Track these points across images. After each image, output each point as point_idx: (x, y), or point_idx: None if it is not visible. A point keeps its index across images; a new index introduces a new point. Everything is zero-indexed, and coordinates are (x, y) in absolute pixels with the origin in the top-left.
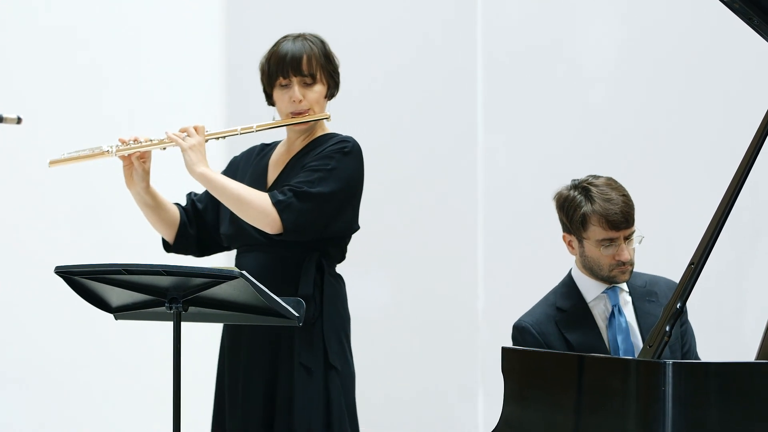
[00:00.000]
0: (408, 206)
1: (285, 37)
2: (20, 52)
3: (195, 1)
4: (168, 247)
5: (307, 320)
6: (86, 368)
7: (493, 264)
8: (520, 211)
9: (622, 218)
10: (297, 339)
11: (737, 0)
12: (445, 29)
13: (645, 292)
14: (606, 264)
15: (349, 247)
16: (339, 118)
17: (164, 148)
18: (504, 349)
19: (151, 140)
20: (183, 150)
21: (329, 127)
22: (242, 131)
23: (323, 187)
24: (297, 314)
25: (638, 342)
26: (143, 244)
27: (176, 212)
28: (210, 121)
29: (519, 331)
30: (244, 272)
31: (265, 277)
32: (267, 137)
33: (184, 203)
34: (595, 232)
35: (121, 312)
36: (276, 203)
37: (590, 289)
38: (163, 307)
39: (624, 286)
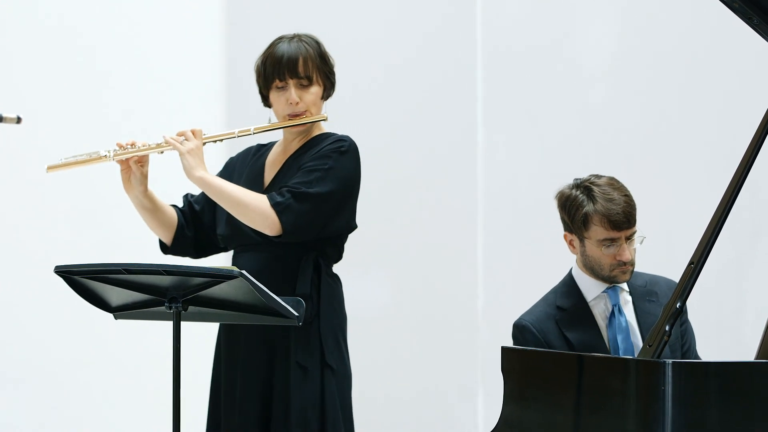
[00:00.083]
0: (408, 205)
1: (280, 38)
2: (20, 52)
3: (195, 1)
4: (165, 248)
5: (305, 320)
6: (86, 368)
7: (492, 263)
8: (519, 211)
9: (624, 218)
10: (293, 338)
11: None
12: (444, 28)
13: (645, 291)
14: (607, 264)
15: (348, 246)
16: (339, 117)
17: (162, 152)
18: (504, 349)
19: (148, 144)
20: (181, 154)
21: (325, 127)
22: (240, 134)
23: (321, 187)
24: (297, 314)
25: (638, 341)
26: (143, 244)
27: (174, 214)
28: (210, 120)
29: (519, 329)
30: (243, 272)
31: (263, 277)
32: (264, 139)
33: (180, 205)
34: (597, 231)
35: (120, 311)
36: (274, 205)
37: (591, 288)
38: (163, 307)
39: (624, 285)
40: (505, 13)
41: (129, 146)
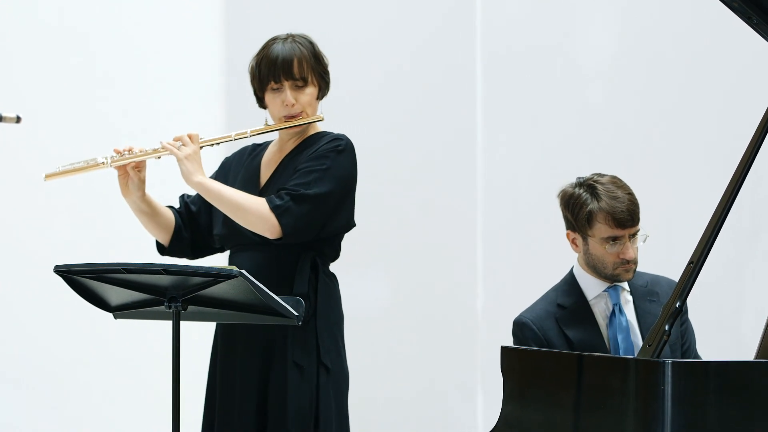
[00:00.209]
0: (407, 205)
1: (274, 39)
2: (20, 52)
3: (195, 1)
4: (162, 249)
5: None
6: (86, 367)
7: (492, 263)
8: (519, 210)
9: (628, 216)
10: (291, 338)
11: None
12: (444, 28)
13: (646, 291)
14: (610, 262)
15: (347, 246)
16: (338, 116)
17: (159, 158)
18: (503, 349)
19: (145, 150)
20: (179, 160)
21: (320, 125)
22: (236, 137)
23: (320, 187)
24: (296, 313)
25: (638, 341)
26: (142, 244)
27: (171, 216)
28: (209, 120)
29: (519, 326)
30: (243, 271)
31: (260, 276)
32: (259, 138)
33: (177, 206)
34: (601, 229)
35: (120, 311)
36: (274, 208)
37: (592, 287)
38: (163, 306)
39: (625, 285)
40: (504, 13)
41: (126, 152)
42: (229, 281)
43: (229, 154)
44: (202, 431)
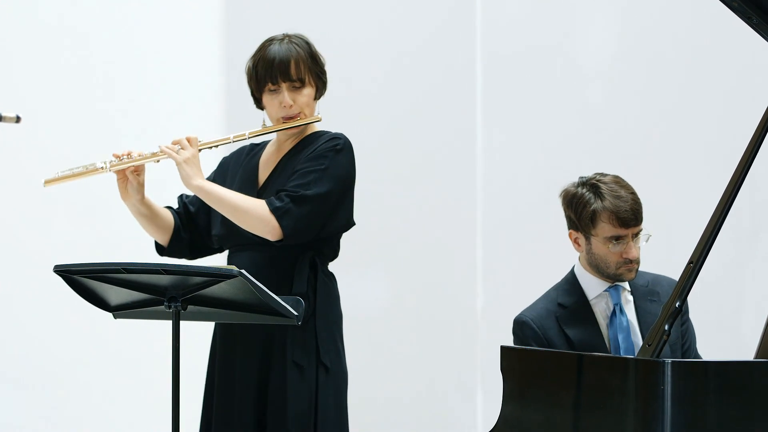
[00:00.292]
0: (407, 204)
1: (270, 40)
2: (20, 52)
3: (195, 1)
4: (161, 250)
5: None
6: (86, 367)
7: (492, 263)
8: (518, 210)
9: (632, 215)
10: (290, 337)
11: None
12: (444, 28)
13: (647, 291)
14: (613, 261)
15: (347, 246)
16: (338, 116)
17: (158, 161)
18: (503, 348)
19: (144, 154)
20: (178, 164)
21: (318, 125)
22: (235, 139)
23: (319, 187)
24: (296, 313)
25: (639, 341)
26: (142, 244)
27: (170, 218)
28: (209, 121)
29: (519, 325)
30: (243, 271)
31: (259, 276)
32: (257, 138)
33: (176, 206)
34: (605, 229)
35: (120, 311)
36: (274, 210)
37: (593, 286)
38: (162, 306)
39: (626, 285)
40: (504, 13)
41: (125, 157)
42: (228, 281)
43: (226, 154)
44: (201, 430)
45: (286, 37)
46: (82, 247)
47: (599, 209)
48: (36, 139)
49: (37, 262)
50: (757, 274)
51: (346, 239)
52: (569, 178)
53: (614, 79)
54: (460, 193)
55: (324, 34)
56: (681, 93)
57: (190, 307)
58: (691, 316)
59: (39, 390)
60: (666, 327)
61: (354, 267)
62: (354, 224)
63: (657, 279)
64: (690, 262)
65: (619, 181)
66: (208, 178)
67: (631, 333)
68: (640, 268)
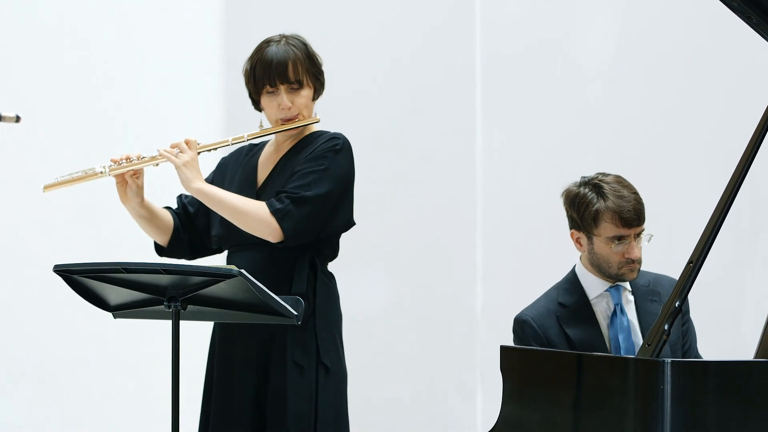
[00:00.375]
0: (406, 204)
1: (267, 41)
2: (20, 52)
3: (195, 1)
4: (161, 250)
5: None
6: (86, 367)
7: (491, 262)
8: (518, 210)
9: (634, 215)
10: (290, 337)
11: None
12: (444, 28)
13: (648, 291)
14: (615, 261)
15: (347, 246)
16: (338, 116)
17: (157, 165)
18: (503, 348)
19: (143, 158)
20: (177, 167)
21: (316, 125)
22: (234, 141)
23: (319, 188)
24: (296, 313)
25: (639, 341)
26: (142, 243)
27: (170, 219)
28: (209, 121)
29: (519, 323)
30: (243, 271)
31: (259, 276)
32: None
33: (175, 206)
34: (607, 229)
35: (119, 310)
36: (274, 212)
37: (594, 286)
38: (162, 306)
39: (627, 285)
40: (504, 13)
41: (124, 160)
42: (228, 281)
43: (225, 154)
44: (200, 430)
45: (283, 39)
46: (82, 247)
47: (602, 209)
48: (36, 139)
49: (37, 262)
50: (757, 274)
51: (346, 239)
52: (569, 178)
53: (614, 79)
54: (460, 193)
55: (324, 35)
56: (681, 93)
57: (189, 307)
58: (691, 316)
59: (39, 390)
60: (666, 327)
61: (354, 267)
62: (354, 224)
63: (658, 279)
64: (690, 261)
65: (621, 181)
66: (207, 179)
67: (631, 333)
68: (641, 268)
